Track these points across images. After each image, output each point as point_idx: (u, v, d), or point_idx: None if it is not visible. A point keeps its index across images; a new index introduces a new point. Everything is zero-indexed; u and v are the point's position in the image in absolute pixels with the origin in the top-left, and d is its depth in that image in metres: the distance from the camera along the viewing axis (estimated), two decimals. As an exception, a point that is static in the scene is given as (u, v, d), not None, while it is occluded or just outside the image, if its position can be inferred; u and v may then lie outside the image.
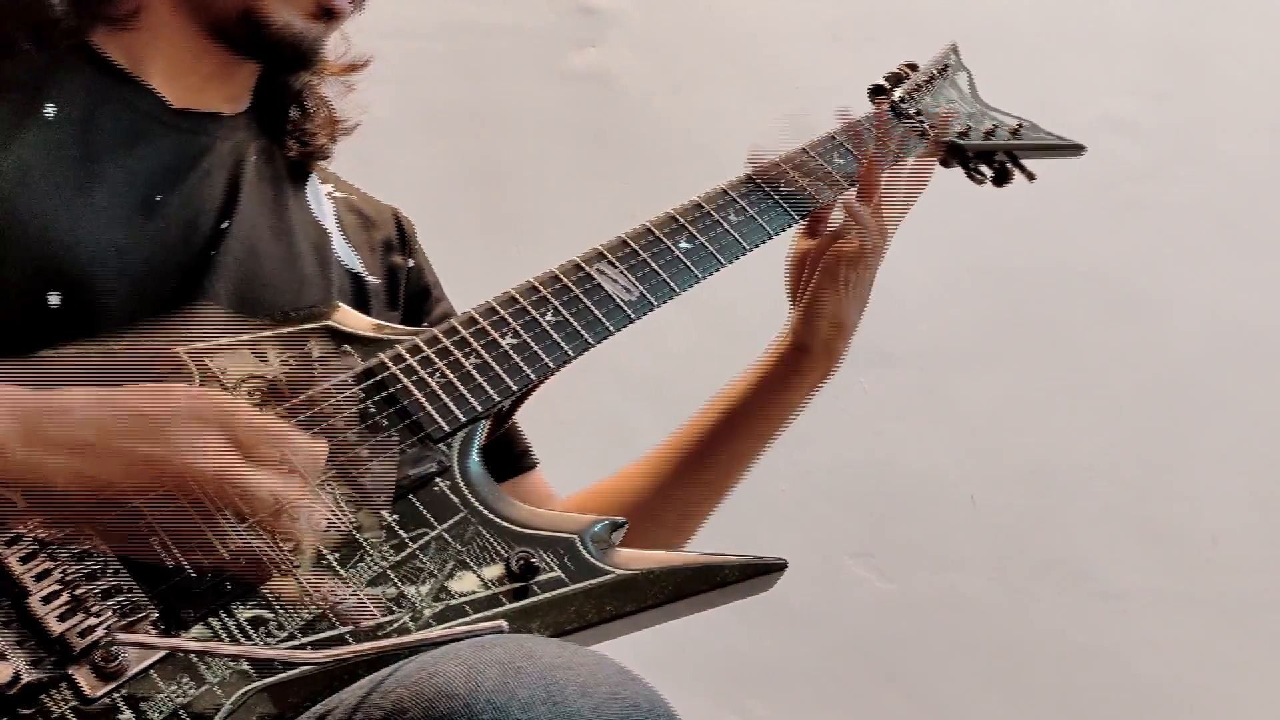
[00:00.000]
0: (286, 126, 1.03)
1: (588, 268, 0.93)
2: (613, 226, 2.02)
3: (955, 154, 1.12)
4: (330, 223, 1.03)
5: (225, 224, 0.92)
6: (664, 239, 0.95)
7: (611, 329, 0.91)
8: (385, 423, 0.82)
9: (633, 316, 0.92)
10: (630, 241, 0.95)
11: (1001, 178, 1.13)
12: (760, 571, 0.80)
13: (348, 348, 0.86)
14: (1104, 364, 1.88)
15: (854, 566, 1.76)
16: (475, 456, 0.84)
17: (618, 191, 1.85)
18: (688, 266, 0.95)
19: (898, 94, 1.12)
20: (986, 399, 1.84)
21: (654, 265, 0.94)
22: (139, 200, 0.88)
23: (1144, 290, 1.92)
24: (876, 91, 1.14)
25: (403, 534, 0.78)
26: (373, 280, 1.03)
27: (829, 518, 1.77)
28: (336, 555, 0.75)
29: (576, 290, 0.92)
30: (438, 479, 0.81)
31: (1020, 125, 1.14)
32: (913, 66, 1.17)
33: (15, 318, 0.80)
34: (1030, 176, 1.13)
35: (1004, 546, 1.80)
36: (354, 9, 0.97)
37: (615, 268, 0.94)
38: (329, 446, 0.77)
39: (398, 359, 0.85)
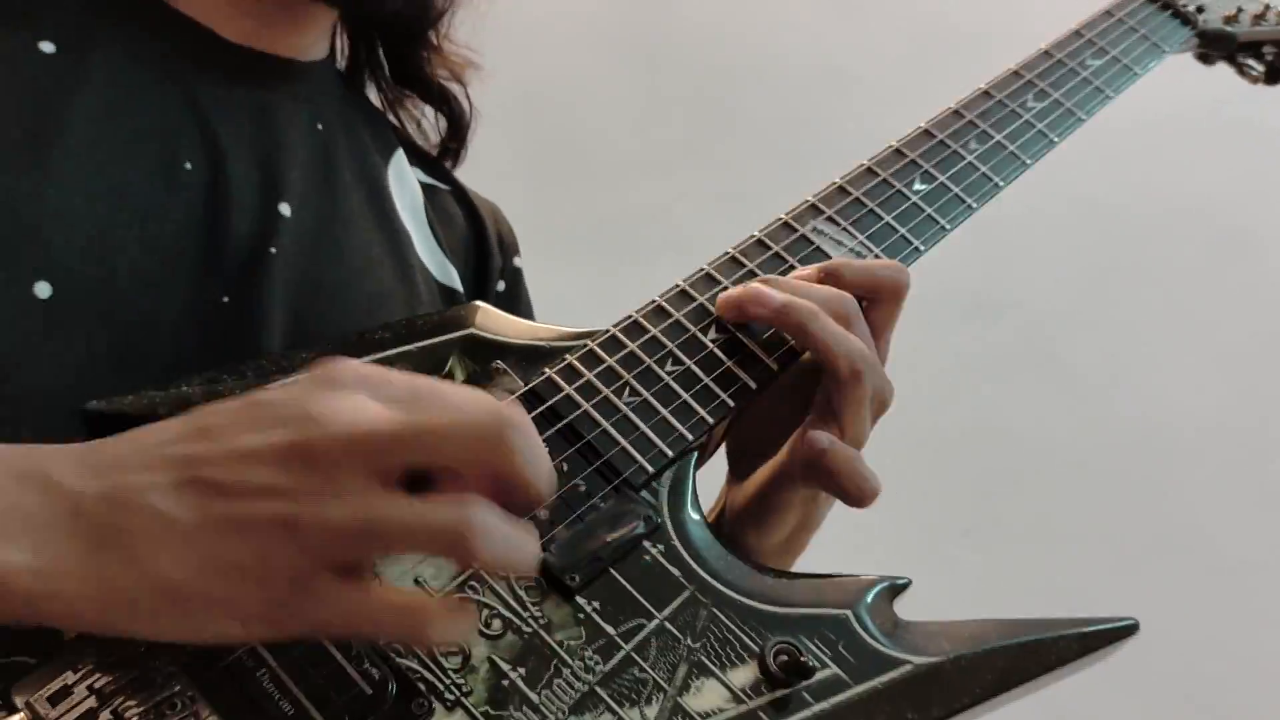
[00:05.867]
0: (382, 81, 0.80)
1: (801, 227, 0.69)
2: (669, 158, 1.70)
3: (1220, 45, 0.90)
4: (416, 216, 0.76)
5: (284, 207, 0.65)
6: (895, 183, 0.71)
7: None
8: (565, 466, 0.57)
9: None
10: (850, 190, 0.71)
11: (1276, 74, 0.91)
12: (1108, 640, 0.60)
13: (499, 363, 0.61)
14: (1215, 310, 1.69)
15: (955, 547, 1.55)
16: (691, 506, 0.59)
17: (672, 119, 1.58)
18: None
19: (1140, -28, 0.89)
20: (1092, 354, 1.63)
21: (887, 218, 0.70)
22: (160, 166, 0.61)
23: (1253, 225, 1.72)
24: None
25: (610, 630, 0.54)
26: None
27: (926, 493, 1.55)
28: (521, 670, 0.51)
29: (792, 260, 0.68)
30: (647, 543, 0.57)
31: None
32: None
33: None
34: None
35: (1118, 518, 1.61)
36: None
37: (837, 225, 0.70)
38: None
39: (570, 374, 0.60)
